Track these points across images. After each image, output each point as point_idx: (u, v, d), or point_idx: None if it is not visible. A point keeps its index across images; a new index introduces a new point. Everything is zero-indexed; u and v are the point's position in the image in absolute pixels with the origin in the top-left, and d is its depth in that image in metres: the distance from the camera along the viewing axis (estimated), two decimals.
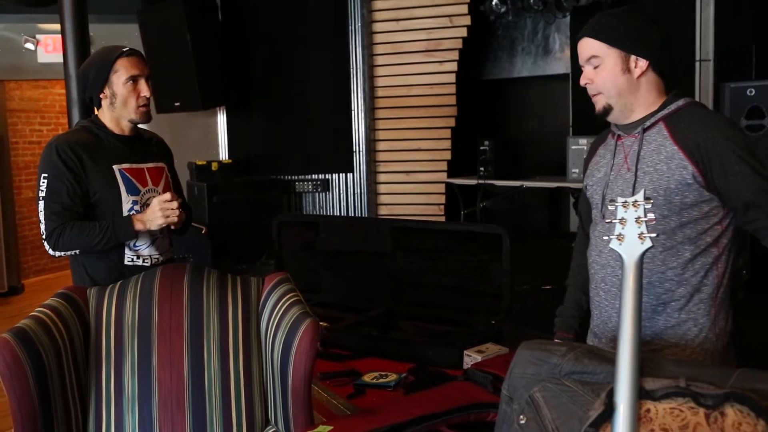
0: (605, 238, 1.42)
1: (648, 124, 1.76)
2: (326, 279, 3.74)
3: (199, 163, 5.72)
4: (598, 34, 1.78)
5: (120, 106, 2.36)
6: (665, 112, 1.75)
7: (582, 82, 1.83)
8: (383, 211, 5.89)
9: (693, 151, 1.68)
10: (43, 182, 2.27)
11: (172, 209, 2.29)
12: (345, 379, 2.60)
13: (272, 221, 3.93)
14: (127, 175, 2.37)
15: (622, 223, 1.39)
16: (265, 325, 2.15)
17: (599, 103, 1.81)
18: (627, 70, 1.75)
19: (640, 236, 1.36)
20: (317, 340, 1.93)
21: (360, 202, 5.93)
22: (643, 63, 1.75)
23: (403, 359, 2.78)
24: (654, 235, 1.37)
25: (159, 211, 2.29)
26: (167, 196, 2.32)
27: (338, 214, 5.96)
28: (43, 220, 2.27)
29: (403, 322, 3.28)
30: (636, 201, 1.39)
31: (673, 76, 1.85)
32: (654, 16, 1.83)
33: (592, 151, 1.97)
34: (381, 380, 2.55)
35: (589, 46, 1.79)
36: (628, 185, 1.77)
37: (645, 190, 1.43)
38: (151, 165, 2.46)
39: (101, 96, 2.37)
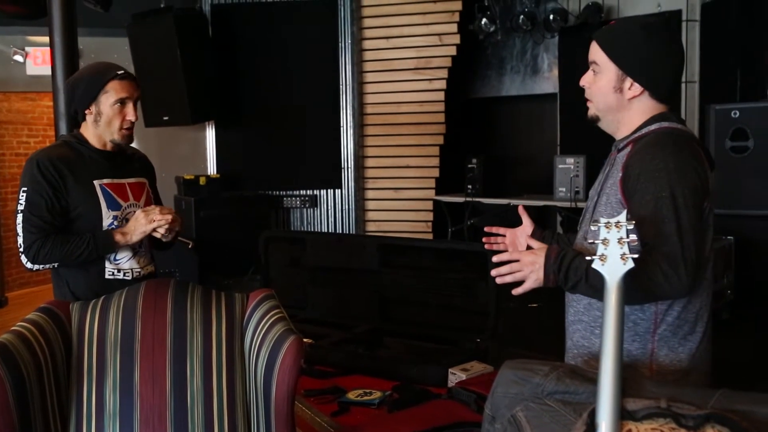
0: (587, 258, 1.42)
1: (621, 145, 1.75)
2: (313, 295, 3.73)
3: (187, 177, 5.71)
4: (605, 43, 1.73)
5: (104, 125, 2.35)
6: (635, 135, 1.72)
7: (581, 82, 1.80)
8: (371, 227, 5.89)
9: (626, 178, 1.64)
10: (23, 196, 2.26)
11: (160, 218, 2.29)
12: (329, 397, 2.59)
13: (259, 236, 3.93)
14: (108, 190, 2.36)
15: (604, 244, 1.40)
16: (248, 342, 2.14)
17: (590, 110, 1.80)
18: (619, 89, 1.72)
19: (623, 257, 1.37)
20: (300, 358, 1.92)
21: (348, 218, 5.93)
22: (637, 87, 1.71)
23: (388, 377, 2.77)
24: (636, 255, 1.38)
25: (143, 219, 2.29)
26: (154, 208, 2.32)
27: (326, 230, 5.96)
28: (21, 233, 2.25)
29: (388, 340, 3.27)
30: (618, 222, 1.40)
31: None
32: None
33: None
34: (365, 398, 2.54)
35: (594, 50, 1.76)
36: (593, 204, 1.77)
37: (626, 211, 1.43)
38: (132, 180, 2.46)
39: (86, 112, 2.36)
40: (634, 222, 1.40)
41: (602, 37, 1.76)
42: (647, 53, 1.70)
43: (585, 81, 1.79)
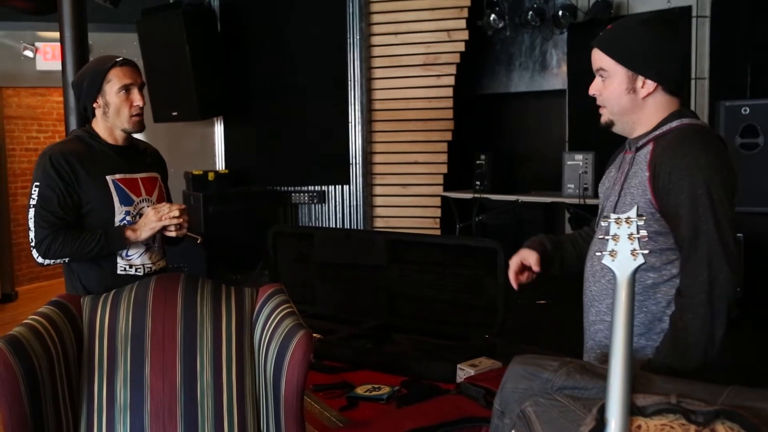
0: (597, 254, 1.43)
1: (640, 143, 1.74)
2: (321, 291, 3.74)
3: (196, 172, 5.73)
4: (609, 48, 1.73)
5: (113, 115, 2.37)
6: (656, 132, 1.71)
7: (590, 92, 1.79)
8: (379, 223, 5.90)
9: (655, 176, 1.64)
10: (35, 190, 2.27)
11: (172, 216, 2.30)
12: (338, 392, 2.59)
13: (268, 232, 3.93)
14: (121, 185, 2.37)
15: (615, 239, 1.40)
16: (258, 337, 2.14)
17: (603, 116, 1.80)
18: (632, 89, 1.71)
19: (633, 252, 1.37)
20: (310, 352, 1.93)
21: (356, 214, 5.93)
22: (650, 84, 1.70)
23: (397, 372, 2.77)
24: (646, 251, 1.37)
25: (153, 216, 2.30)
26: (164, 206, 2.34)
27: (334, 226, 5.96)
28: (32, 228, 2.26)
29: (397, 335, 3.28)
30: (629, 217, 1.40)
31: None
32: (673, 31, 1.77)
33: (612, 158, 1.95)
34: (374, 393, 2.54)
35: (598, 58, 1.75)
36: (613, 203, 1.77)
37: (637, 207, 1.43)
38: (144, 175, 2.47)
39: (95, 105, 2.38)
40: (644, 217, 1.40)
41: (603, 42, 1.75)
42: (652, 47, 1.71)
43: (594, 89, 1.78)
